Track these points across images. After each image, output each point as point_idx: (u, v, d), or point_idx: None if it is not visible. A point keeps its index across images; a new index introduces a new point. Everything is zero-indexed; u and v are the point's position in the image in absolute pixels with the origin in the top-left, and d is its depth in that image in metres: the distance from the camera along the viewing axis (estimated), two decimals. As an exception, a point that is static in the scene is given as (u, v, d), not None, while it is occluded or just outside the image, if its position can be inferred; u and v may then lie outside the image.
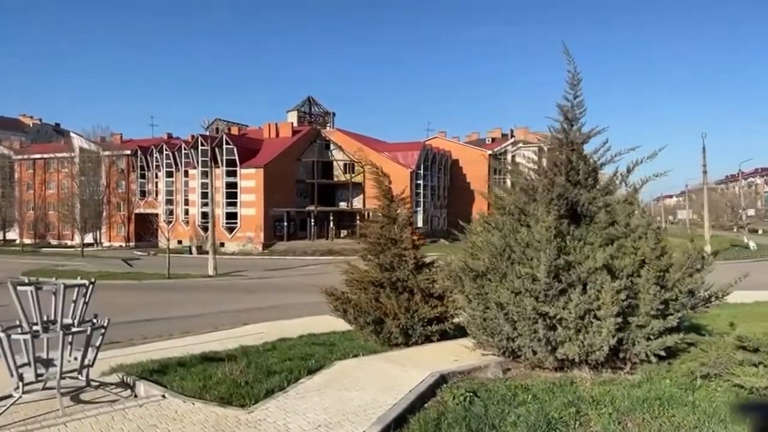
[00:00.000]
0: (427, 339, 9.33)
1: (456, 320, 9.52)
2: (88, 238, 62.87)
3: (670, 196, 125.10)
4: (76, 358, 6.94)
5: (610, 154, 6.87)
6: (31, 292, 6.48)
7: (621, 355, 6.28)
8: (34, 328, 6.56)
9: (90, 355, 6.84)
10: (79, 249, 56.91)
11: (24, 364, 6.58)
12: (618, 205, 6.71)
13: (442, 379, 6.27)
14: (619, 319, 5.92)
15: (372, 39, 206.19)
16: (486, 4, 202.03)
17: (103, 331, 6.93)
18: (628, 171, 6.94)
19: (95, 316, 7.07)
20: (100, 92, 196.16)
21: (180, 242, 58.76)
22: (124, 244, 69.57)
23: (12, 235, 74.81)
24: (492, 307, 6.71)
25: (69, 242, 69.30)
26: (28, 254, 56.69)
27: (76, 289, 6.88)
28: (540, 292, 6.14)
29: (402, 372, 6.58)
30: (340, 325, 11.79)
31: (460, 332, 9.54)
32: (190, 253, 55.67)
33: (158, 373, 7.75)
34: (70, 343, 6.92)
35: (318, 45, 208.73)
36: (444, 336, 9.46)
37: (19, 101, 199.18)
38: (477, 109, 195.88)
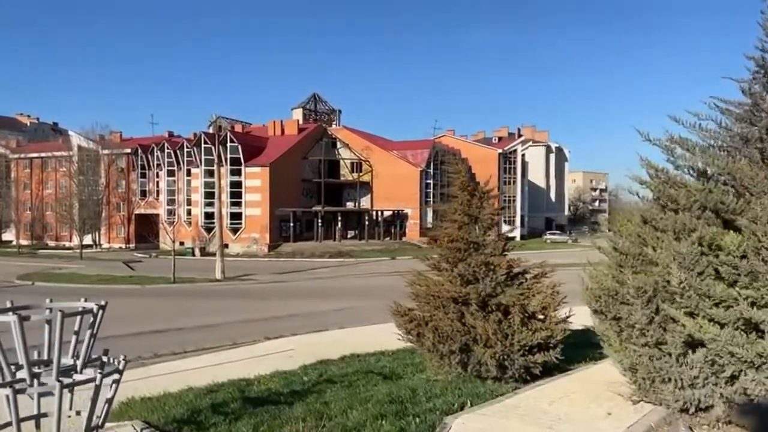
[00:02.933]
0: (527, 372, 7.28)
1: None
2: (87, 240, 60.80)
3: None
4: (78, 413, 4.93)
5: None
6: (15, 322, 4.43)
7: None
8: (19, 375, 4.55)
9: (99, 411, 4.81)
10: (78, 251, 54.81)
11: (5, 425, 4.59)
12: None
13: (626, 455, 4.25)
14: None
15: (373, 37, 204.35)
16: (487, 3, 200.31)
17: (117, 376, 4.89)
18: None
19: (105, 353, 5.01)
20: (99, 90, 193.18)
21: (182, 243, 56.47)
22: (124, 246, 67.37)
23: (8, 236, 72.60)
24: (673, 342, 4.68)
25: (67, 243, 66.97)
26: (25, 256, 54.73)
27: (80, 317, 4.85)
28: (773, 326, 4.13)
29: (556, 440, 4.54)
30: (376, 339, 10.33)
31: (563, 361, 7.57)
32: (193, 255, 53.55)
33: (189, 424, 5.80)
34: (71, 392, 4.92)
35: (319, 44, 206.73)
36: (546, 368, 7.42)
37: (16, 100, 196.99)
38: (481, 108, 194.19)
